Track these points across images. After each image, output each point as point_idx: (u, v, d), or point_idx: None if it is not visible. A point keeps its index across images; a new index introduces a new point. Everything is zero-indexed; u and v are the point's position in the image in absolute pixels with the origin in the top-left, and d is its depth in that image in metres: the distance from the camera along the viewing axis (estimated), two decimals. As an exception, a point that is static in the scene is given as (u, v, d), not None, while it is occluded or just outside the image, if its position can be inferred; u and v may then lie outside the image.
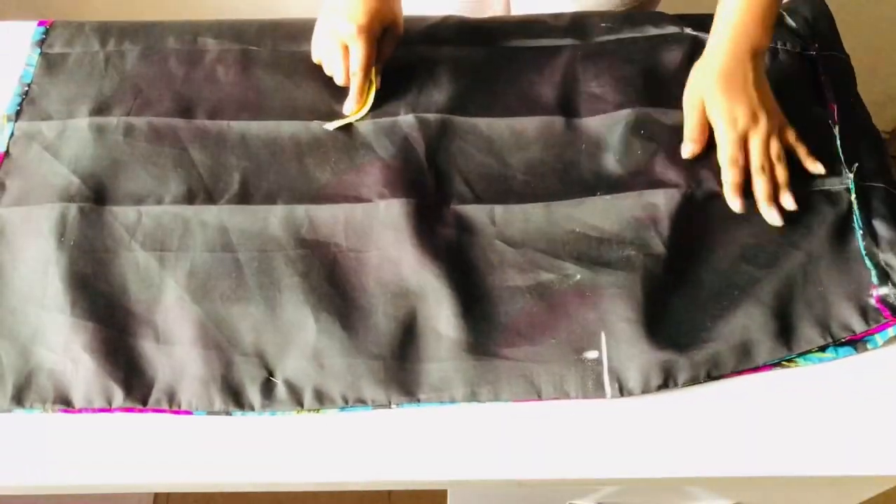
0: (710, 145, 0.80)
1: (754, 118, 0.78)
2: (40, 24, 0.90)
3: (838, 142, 0.82)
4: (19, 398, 0.69)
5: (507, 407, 0.70)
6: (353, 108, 0.84)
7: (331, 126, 0.83)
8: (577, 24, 0.91)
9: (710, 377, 0.70)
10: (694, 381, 0.70)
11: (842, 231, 0.77)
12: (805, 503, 0.86)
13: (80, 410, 0.69)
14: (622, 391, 0.69)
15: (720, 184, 0.79)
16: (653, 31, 0.90)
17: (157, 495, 1.44)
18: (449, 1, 1.03)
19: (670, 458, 0.68)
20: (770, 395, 0.71)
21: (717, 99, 0.78)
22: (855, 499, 0.83)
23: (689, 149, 0.80)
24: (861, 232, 0.77)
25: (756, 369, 0.71)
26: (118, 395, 0.69)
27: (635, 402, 0.70)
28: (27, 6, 1.34)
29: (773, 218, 0.77)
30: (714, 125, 0.80)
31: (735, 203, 0.77)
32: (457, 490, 0.84)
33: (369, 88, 0.84)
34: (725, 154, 0.78)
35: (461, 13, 0.94)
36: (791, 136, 0.80)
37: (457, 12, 0.94)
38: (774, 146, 0.79)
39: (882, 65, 1.54)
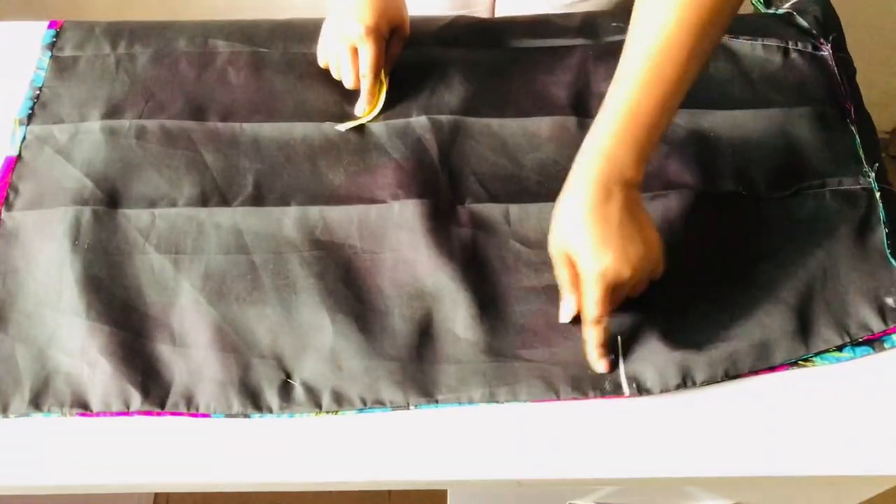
0: (702, 147, 0.80)
1: (623, 271, 0.67)
2: (50, 26, 0.90)
3: (858, 140, 0.81)
4: (37, 402, 0.69)
5: (507, 407, 0.70)
6: (365, 109, 0.84)
7: (343, 127, 0.83)
8: (587, 24, 0.91)
9: (728, 376, 0.70)
10: (712, 380, 0.70)
11: (861, 230, 0.77)
12: (805, 503, 0.86)
13: (97, 414, 0.69)
14: (640, 391, 0.69)
15: (735, 184, 0.78)
16: None
17: (157, 495, 1.44)
18: (435, 1, 1.03)
19: (670, 458, 0.68)
20: (770, 395, 0.71)
21: (582, 248, 0.67)
22: (855, 499, 0.83)
23: (568, 309, 0.71)
24: (887, 231, 0.76)
25: (772, 369, 0.71)
26: (136, 399, 0.69)
27: (635, 402, 0.70)
28: (27, 6, 1.34)
29: (600, 367, 0.70)
30: (580, 276, 0.68)
31: (600, 365, 0.70)
32: (457, 490, 0.84)
33: (380, 89, 0.84)
34: (590, 313, 0.68)
35: (445, 12, 0.94)
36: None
37: (442, 11, 0.94)
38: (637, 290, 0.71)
39: (882, 65, 1.54)
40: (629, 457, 0.68)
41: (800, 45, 0.88)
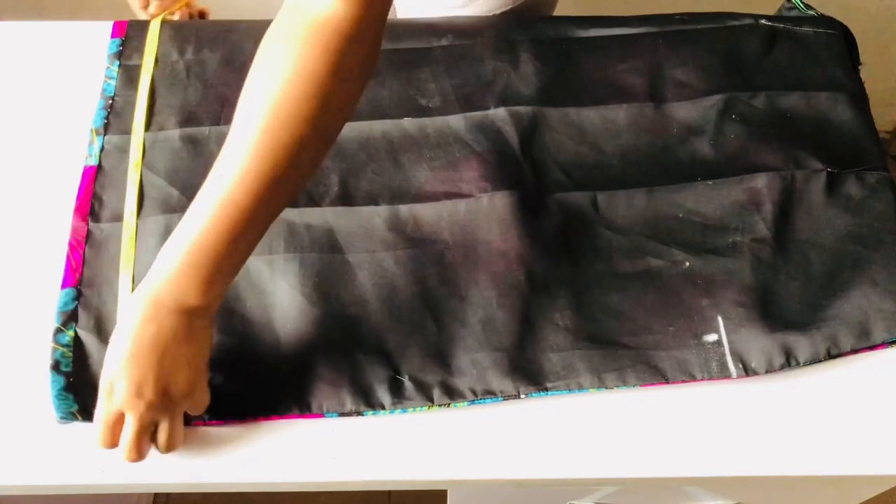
0: (783, 127, 0.81)
1: (136, 398, 0.61)
2: (114, 35, 0.88)
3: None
4: None
5: (508, 407, 0.70)
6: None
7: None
8: (650, 17, 0.91)
9: (830, 356, 0.71)
10: (814, 359, 0.71)
11: None
12: (805, 503, 0.86)
13: (210, 423, 0.68)
14: (746, 371, 0.70)
15: (818, 162, 0.79)
16: (731, 22, 0.90)
17: (156, 495, 1.44)
18: None
19: (670, 458, 0.68)
20: (770, 395, 0.71)
21: (110, 357, 0.62)
22: (855, 499, 0.83)
23: (102, 441, 0.63)
24: None
25: (872, 348, 0.72)
26: (248, 405, 0.69)
27: (635, 402, 0.70)
28: (27, 6, 1.34)
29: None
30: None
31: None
32: (457, 490, 0.84)
33: None
34: (98, 439, 0.63)
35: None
36: (198, 410, 0.66)
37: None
38: (164, 439, 0.64)
39: (882, 65, 1.54)
40: (629, 457, 0.68)
41: (821, 28, 0.89)
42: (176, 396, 0.63)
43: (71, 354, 0.70)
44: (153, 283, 0.62)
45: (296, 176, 0.62)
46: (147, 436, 0.63)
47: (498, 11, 0.95)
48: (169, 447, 0.64)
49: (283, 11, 0.61)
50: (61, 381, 0.68)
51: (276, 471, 0.67)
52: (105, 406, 0.62)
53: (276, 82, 0.59)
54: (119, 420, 0.62)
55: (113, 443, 0.63)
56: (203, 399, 0.66)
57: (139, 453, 0.63)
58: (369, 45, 0.61)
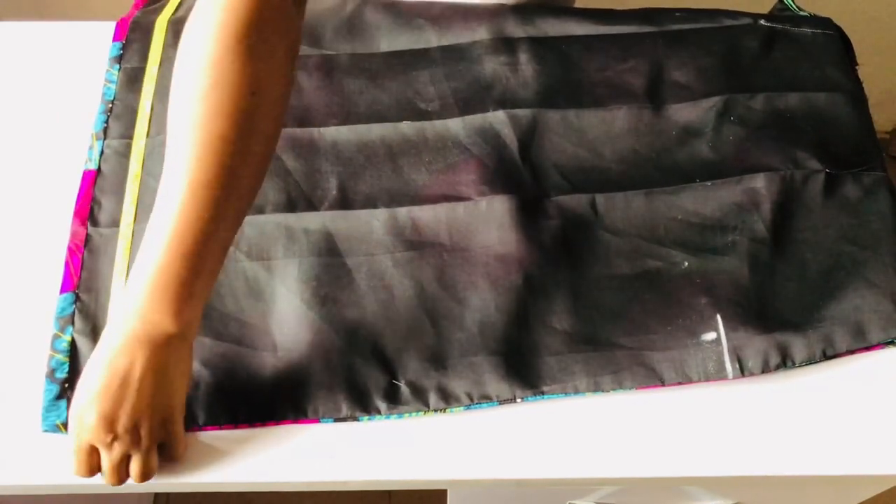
0: (781, 127, 0.82)
1: (107, 432, 0.60)
2: (115, 38, 0.88)
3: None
4: None
5: (507, 407, 0.70)
6: None
7: None
8: (649, 12, 0.91)
9: (826, 356, 0.71)
10: (810, 360, 0.71)
11: None
12: (805, 503, 0.86)
13: (205, 428, 0.68)
14: (743, 371, 0.70)
15: (817, 162, 0.79)
16: (729, 21, 0.90)
17: (157, 495, 1.44)
18: None
19: (670, 458, 0.68)
20: (769, 394, 0.71)
21: (83, 390, 0.60)
22: (855, 499, 0.83)
23: (77, 471, 0.62)
24: None
25: (869, 348, 0.72)
26: (243, 411, 0.69)
27: (635, 401, 0.70)
28: (28, 7, 1.34)
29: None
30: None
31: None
32: (457, 490, 0.84)
33: None
34: (73, 469, 0.62)
35: None
36: (173, 448, 0.65)
37: None
38: (138, 470, 0.62)
39: (882, 65, 1.54)
40: (629, 457, 0.68)
41: (819, 30, 0.89)
42: (147, 431, 0.61)
43: (67, 360, 0.70)
44: (125, 315, 0.60)
45: (234, 174, 0.59)
46: (123, 465, 0.62)
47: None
48: (143, 477, 0.62)
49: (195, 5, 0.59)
50: (55, 389, 0.68)
51: (276, 471, 0.67)
52: (75, 439, 0.61)
53: (185, 79, 0.58)
54: (92, 451, 0.61)
55: (90, 472, 0.62)
56: (178, 432, 0.64)
57: (118, 481, 0.62)
58: (274, 18, 0.58)
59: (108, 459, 0.61)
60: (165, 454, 0.65)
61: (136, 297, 0.59)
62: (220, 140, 0.57)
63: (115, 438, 0.60)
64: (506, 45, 0.87)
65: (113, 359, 0.59)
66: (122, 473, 0.62)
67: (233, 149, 0.58)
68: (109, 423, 0.60)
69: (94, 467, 0.62)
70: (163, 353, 0.60)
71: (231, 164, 0.58)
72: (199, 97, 0.57)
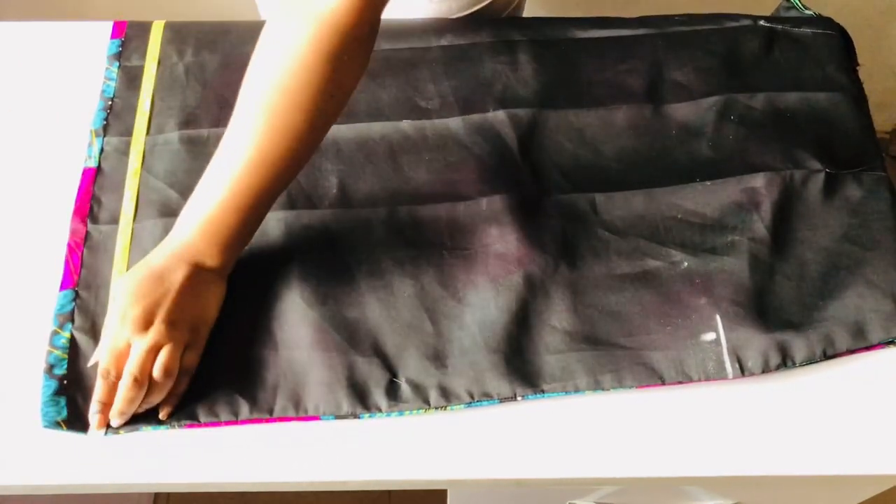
0: (781, 127, 0.81)
1: (145, 325, 0.66)
2: (114, 35, 0.88)
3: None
4: (145, 415, 0.68)
5: (507, 407, 0.70)
6: None
7: None
8: (649, 18, 0.91)
9: (826, 356, 0.71)
10: (810, 359, 0.71)
11: None
12: (805, 503, 0.86)
13: (206, 424, 0.68)
14: (742, 371, 0.70)
15: (817, 162, 0.79)
16: (729, 23, 0.90)
17: (157, 495, 1.44)
18: None
19: (670, 458, 0.68)
20: (770, 394, 0.71)
21: (121, 290, 0.67)
22: (855, 499, 0.83)
23: (95, 420, 0.66)
24: None
25: (869, 348, 0.72)
26: (244, 407, 0.68)
27: (634, 401, 0.70)
28: (27, 6, 1.33)
29: (93, 421, 0.66)
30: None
31: (93, 420, 0.66)
32: (457, 490, 0.84)
33: None
34: (100, 359, 0.67)
35: None
36: (192, 358, 0.69)
37: None
38: (164, 360, 0.66)
39: (881, 65, 1.54)
40: (629, 457, 0.68)
41: (820, 30, 0.89)
42: (179, 330, 0.67)
43: (66, 356, 0.70)
44: (172, 244, 0.68)
45: (296, 156, 0.68)
46: (150, 356, 0.65)
47: (466, 12, 0.94)
48: (165, 372, 0.66)
49: (281, 4, 0.65)
50: (54, 385, 0.68)
51: (276, 470, 0.67)
52: (112, 336, 0.66)
53: (274, 73, 0.65)
54: (124, 351, 0.66)
55: (117, 370, 0.66)
56: (201, 342, 0.69)
57: (141, 371, 0.65)
58: (364, 36, 0.66)
59: (139, 347, 0.66)
60: (183, 365, 0.68)
61: (186, 233, 0.68)
62: (293, 131, 0.66)
63: (150, 328, 0.66)
64: (506, 46, 0.87)
65: (158, 267, 0.67)
66: (146, 363, 0.65)
67: (301, 138, 0.67)
68: (149, 315, 0.66)
69: (120, 370, 0.66)
70: (201, 275, 0.68)
71: (295, 149, 0.67)
72: (283, 91, 0.65)
